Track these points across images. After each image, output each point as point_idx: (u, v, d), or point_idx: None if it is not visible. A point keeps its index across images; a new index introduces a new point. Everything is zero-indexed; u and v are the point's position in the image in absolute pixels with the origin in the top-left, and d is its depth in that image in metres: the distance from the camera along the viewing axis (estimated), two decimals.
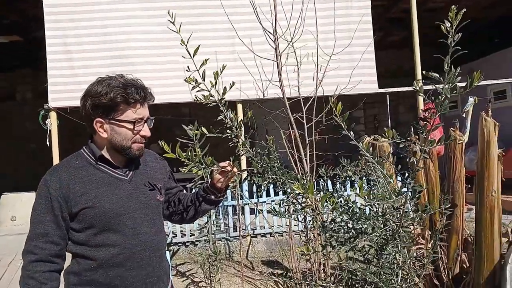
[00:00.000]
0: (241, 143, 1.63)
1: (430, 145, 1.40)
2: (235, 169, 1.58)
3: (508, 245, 3.40)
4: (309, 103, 3.78)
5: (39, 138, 5.26)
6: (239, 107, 5.44)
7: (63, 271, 1.49)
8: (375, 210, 1.49)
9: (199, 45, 1.47)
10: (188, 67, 1.47)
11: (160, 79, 5.28)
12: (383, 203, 1.38)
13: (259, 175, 1.60)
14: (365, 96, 5.30)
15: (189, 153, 1.48)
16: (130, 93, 1.43)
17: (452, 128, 3.63)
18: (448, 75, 1.28)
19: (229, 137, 1.64)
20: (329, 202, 1.33)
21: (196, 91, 1.53)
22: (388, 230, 1.45)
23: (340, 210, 1.37)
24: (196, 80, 1.50)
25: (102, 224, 1.43)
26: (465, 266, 3.56)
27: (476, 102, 4.57)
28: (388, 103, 5.68)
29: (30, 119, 7.75)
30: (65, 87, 5.20)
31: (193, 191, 1.85)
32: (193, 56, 1.49)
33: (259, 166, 1.59)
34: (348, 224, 1.45)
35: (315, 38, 3.75)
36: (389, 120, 5.72)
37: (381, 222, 1.43)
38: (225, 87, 1.53)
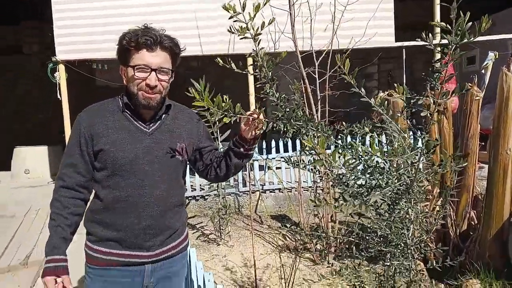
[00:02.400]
0: (269, 85, 1.55)
1: (443, 97, 1.33)
2: (261, 117, 1.52)
3: None
4: (322, 56, 3.65)
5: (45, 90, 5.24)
6: (249, 61, 5.32)
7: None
8: (388, 165, 1.46)
9: None
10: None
11: (167, 31, 5.13)
12: (397, 158, 1.34)
13: (284, 121, 1.54)
14: (380, 50, 5.11)
15: (218, 100, 1.41)
16: (135, 36, 1.43)
17: (469, 84, 3.51)
18: (456, 22, 1.18)
19: (258, 77, 1.56)
20: (340, 156, 1.30)
21: (233, 21, 1.42)
22: (402, 184, 1.42)
23: (352, 165, 1.34)
24: (235, 10, 1.40)
25: (113, 168, 1.49)
26: (473, 223, 3.58)
27: (497, 57, 4.39)
28: (403, 58, 5.48)
29: (37, 74, 7.71)
30: (71, 39, 5.10)
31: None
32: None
33: (284, 112, 1.52)
34: (361, 179, 1.43)
35: None
36: (404, 76, 5.55)
37: (395, 176, 1.40)
38: (263, 22, 1.43)
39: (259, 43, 1.50)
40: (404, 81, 5.27)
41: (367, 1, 4.59)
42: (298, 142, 4.88)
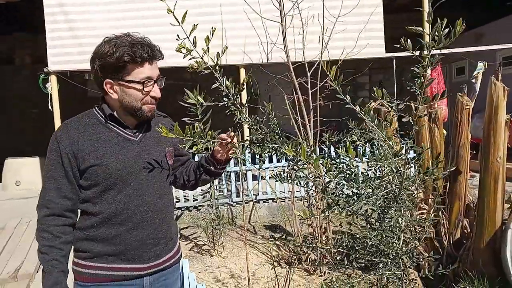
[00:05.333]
0: (238, 111, 1.58)
1: (424, 102, 1.36)
2: (234, 140, 1.56)
3: (510, 211, 3.41)
4: (314, 67, 3.69)
5: (41, 103, 5.22)
6: (242, 71, 5.35)
7: None
8: (374, 173, 1.48)
9: (186, 11, 1.36)
10: (178, 35, 1.39)
11: (158, 42, 5.15)
12: (383, 164, 1.36)
13: (258, 144, 1.56)
14: (371, 61, 5.18)
15: (189, 130, 1.43)
16: (136, 51, 1.39)
17: (459, 94, 3.56)
18: (432, 27, 1.23)
19: (226, 105, 1.59)
20: (323, 166, 1.31)
21: (189, 59, 1.46)
22: (389, 193, 1.43)
23: (335, 173, 1.35)
24: (187, 48, 1.42)
25: (107, 183, 1.43)
26: (466, 232, 3.60)
27: (486, 67, 4.46)
28: (394, 68, 5.55)
29: (30, 84, 7.68)
30: (64, 50, 5.10)
31: (196, 158, 1.82)
32: (182, 23, 1.38)
33: (258, 134, 1.55)
34: (346, 188, 1.44)
35: None
36: (395, 86, 5.61)
37: (380, 184, 1.41)
38: (218, 53, 1.45)
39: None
40: (395, 91, 5.33)
41: (358, 13, 4.66)
42: None
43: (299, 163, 1.61)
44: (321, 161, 1.36)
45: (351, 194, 1.48)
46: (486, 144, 3.30)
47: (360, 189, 1.45)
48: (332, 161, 1.46)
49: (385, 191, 1.46)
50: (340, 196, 1.47)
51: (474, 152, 3.67)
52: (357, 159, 1.42)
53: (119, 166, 1.44)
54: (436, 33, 1.23)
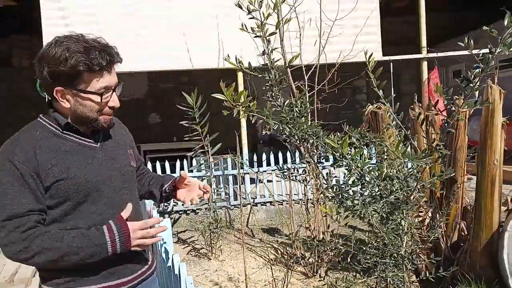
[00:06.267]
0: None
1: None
2: (206, 196, 1.55)
3: (507, 214, 3.42)
4: (311, 70, 3.70)
5: (38, 105, 5.20)
6: (240, 75, 5.35)
7: None
8: (394, 173, 1.49)
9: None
10: None
11: (160, 46, 5.16)
12: (403, 166, 1.37)
13: (291, 125, 1.56)
14: (368, 65, 5.19)
15: (241, 95, 1.42)
16: (94, 59, 1.21)
17: (456, 96, 3.57)
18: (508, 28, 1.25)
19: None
20: (361, 160, 1.31)
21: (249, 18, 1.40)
22: (400, 194, 1.44)
23: (369, 170, 1.36)
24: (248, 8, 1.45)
25: (79, 196, 1.28)
26: (464, 234, 3.60)
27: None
28: (391, 72, 5.57)
29: (28, 86, 7.66)
30: None
31: (150, 171, 1.76)
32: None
33: (289, 116, 1.55)
34: (363, 189, 1.45)
35: (318, 2, 3.63)
36: (392, 89, 5.63)
37: (399, 183, 1.42)
38: (277, 22, 1.47)
39: (269, 43, 1.55)
40: (392, 94, 5.35)
41: (355, 17, 4.69)
42: (288, 154, 4.90)
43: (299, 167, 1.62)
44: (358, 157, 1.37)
45: (370, 193, 1.48)
46: (482, 147, 3.32)
47: (376, 190, 1.46)
48: (364, 155, 1.46)
49: (401, 191, 1.46)
50: (352, 197, 1.48)
51: (471, 155, 3.69)
52: (396, 154, 1.43)
53: (87, 176, 1.29)
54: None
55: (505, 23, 1.37)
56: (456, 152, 3.52)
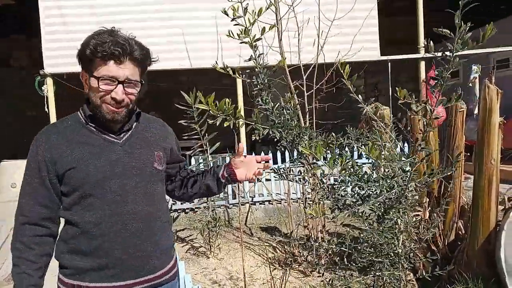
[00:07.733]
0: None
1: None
2: (268, 166, 1.52)
3: (504, 213, 3.44)
4: (310, 70, 3.71)
5: (38, 105, 5.21)
6: (238, 74, 5.34)
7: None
8: (382, 173, 1.50)
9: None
10: None
11: (157, 45, 5.16)
12: (393, 164, 1.38)
13: (280, 129, 1.56)
14: (365, 64, 5.22)
15: (223, 104, 1.42)
16: (99, 45, 1.27)
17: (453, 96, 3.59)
18: (459, 29, 1.26)
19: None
20: (338, 163, 1.32)
21: (234, 24, 1.41)
22: (394, 193, 1.45)
23: (349, 172, 1.37)
24: (234, 14, 1.46)
25: (85, 188, 1.32)
26: (461, 233, 3.62)
27: (479, 70, 4.50)
28: (389, 71, 5.59)
29: (27, 86, 7.67)
30: (60, 52, 5.09)
31: (194, 167, 1.80)
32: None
33: (280, 120, 1.56)
34: (354, 189, 1.46)
35: (316, 2, 3.64)
36: (390, 89, 5.65)
37: (389, 184, 1.43)
38: (261, 8, 1.49)
39: (256, 49, 1.55)
40: (390, 94, 5.37)
41: (353, 17, 4.70)
42: (287, 154, 4.91)
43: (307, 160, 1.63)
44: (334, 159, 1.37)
45: (359, 194, 1.50)
46: (480, 146, 3.33)
47: (369, 189, 1.47)
48: (342, 158, 1.46)
49: (391, 191, 1.47)
50: (346, 196, 1.49)
51: (468, 154, 3.71)
52: (371, 156, 1.43)
53: (97, 170, 1.32)
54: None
55: (455, 21, 1.39)
56: (454, 151, 3.54)
